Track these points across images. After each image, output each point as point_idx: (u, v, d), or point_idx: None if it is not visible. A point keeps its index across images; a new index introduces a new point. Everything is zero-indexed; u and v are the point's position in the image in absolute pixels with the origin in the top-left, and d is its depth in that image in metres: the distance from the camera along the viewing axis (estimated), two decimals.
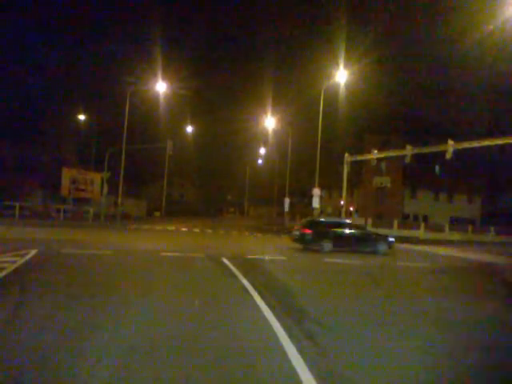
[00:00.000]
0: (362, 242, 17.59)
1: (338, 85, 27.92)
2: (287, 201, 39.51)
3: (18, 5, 61.04)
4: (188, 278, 9.64)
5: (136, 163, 45.05)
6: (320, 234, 17.13)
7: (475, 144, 22.38)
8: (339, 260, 14.57)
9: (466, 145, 22.72)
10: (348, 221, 20.76)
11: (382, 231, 23.82)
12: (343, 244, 17.24)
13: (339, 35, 31.83)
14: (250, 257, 13.94)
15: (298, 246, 18.00)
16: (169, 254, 13.30)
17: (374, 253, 17.22)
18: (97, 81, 68.63)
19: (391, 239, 18.22)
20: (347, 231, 17.65)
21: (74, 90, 56.38)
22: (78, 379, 3.86)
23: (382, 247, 17.59)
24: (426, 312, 7.49)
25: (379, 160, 31.84)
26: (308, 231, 17.22)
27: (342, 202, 31.68)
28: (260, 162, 67.50)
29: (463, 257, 19.80)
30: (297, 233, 17.80)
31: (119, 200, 31.65)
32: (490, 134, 25.70)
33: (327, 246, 16.92)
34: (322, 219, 19.99)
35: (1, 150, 37.96)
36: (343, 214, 31.47)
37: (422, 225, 38.09)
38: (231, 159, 76.24)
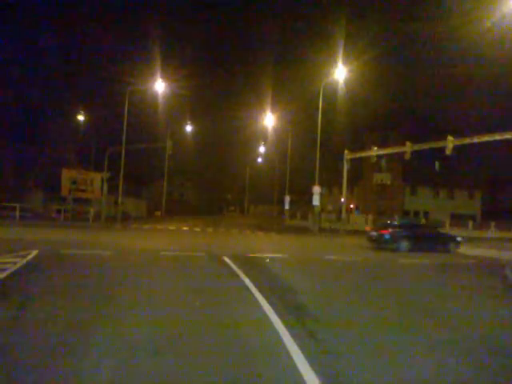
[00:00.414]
0: (435, 242, 18.49)
1: (337, 82, 27.89)
2: (287, 199, 39.46)
3: (18, 4, 61.02)
4: (188, 278, 9.65)
5: (136, 163, 44.94)
6: (398, 235, 17.88)
7: (475, 140, 22.38)
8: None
9: (466, 141, 22.72)
10: (421, 222, 21.33)
11: None
12: (419, 244, 17.95)
13: (338, 32, 31.80)
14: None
15: (370, 245, 18.69)
16: (170, 253, 13.31)
17: (446, 252, 17.92)
18: (96, 81, 68.58)
19: (459, 238, 19.03)
20: (422, 232, 18.73)
21: (74, 90, 56.34)
22: (80, 378, 3.87)
23: (453, 247, 18.47)
24: None
25: (379, 157, 31.81)
26: (386, 232, 18.01)
27: (342, 200, 31.68)
28: (260, 160, 67.48)
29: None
30: (374, 233, 18.68)
31: (119, 200, 31.61)
32: (490, 130, 25.64)
33: (404, 245, 17.62)
34: (398, 221, 20.83)
35: (0, 151, 37.89)
36: (343, 212, 31.48)
37: (423, 221, 38.06)
38: (231, 158, 76.13)
